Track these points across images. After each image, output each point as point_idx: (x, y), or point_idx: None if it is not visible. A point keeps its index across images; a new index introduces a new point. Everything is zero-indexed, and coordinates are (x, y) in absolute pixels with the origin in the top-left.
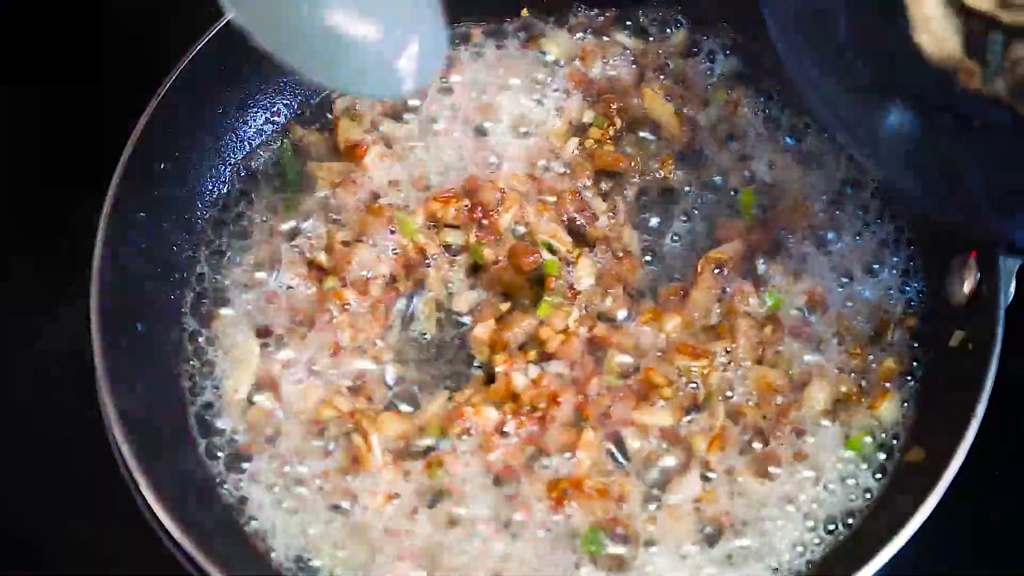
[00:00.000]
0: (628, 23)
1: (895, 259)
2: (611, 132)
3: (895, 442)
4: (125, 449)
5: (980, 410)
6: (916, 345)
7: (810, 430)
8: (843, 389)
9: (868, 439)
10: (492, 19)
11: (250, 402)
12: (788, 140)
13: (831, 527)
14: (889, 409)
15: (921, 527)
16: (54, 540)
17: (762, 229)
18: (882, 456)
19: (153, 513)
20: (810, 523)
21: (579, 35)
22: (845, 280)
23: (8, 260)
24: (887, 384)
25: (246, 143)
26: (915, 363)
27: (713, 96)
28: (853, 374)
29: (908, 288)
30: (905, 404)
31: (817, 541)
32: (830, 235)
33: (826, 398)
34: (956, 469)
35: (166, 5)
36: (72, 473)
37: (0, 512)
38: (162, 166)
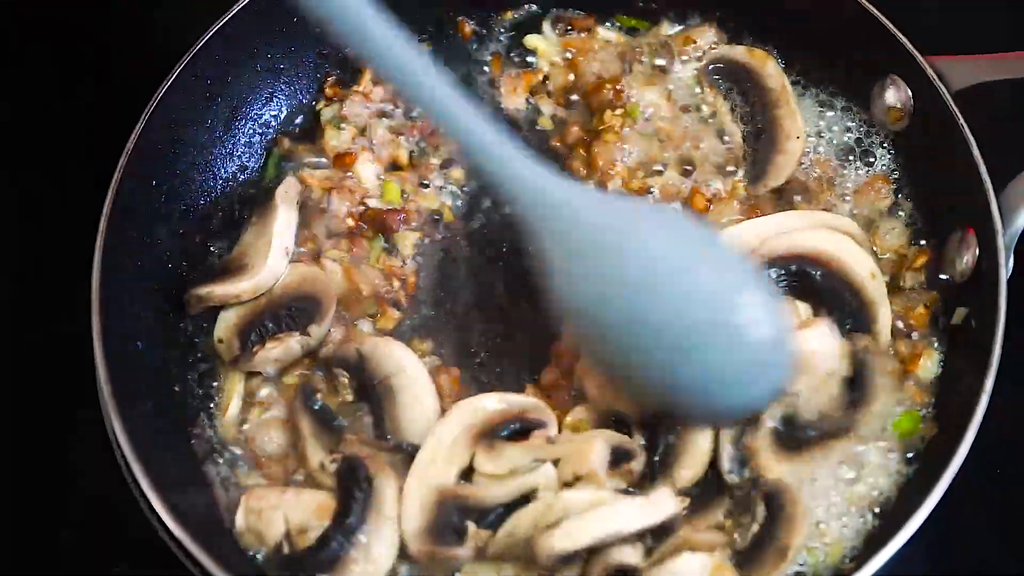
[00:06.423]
0: (609, 21)
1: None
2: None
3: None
4: (127, 450)
5: (989, 385)
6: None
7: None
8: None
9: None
10: (478, 13)
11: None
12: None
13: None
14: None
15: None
16: (54, 540)
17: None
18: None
19: (154, 512)
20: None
21: (565, 31)
22: None
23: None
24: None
25: (235, 155)
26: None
27: (697, 88)
28: None
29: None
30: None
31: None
32: None
33: None
34: (967, 449)
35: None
36: (72, 473)
37: (0, 513)
38: (154, 183)
